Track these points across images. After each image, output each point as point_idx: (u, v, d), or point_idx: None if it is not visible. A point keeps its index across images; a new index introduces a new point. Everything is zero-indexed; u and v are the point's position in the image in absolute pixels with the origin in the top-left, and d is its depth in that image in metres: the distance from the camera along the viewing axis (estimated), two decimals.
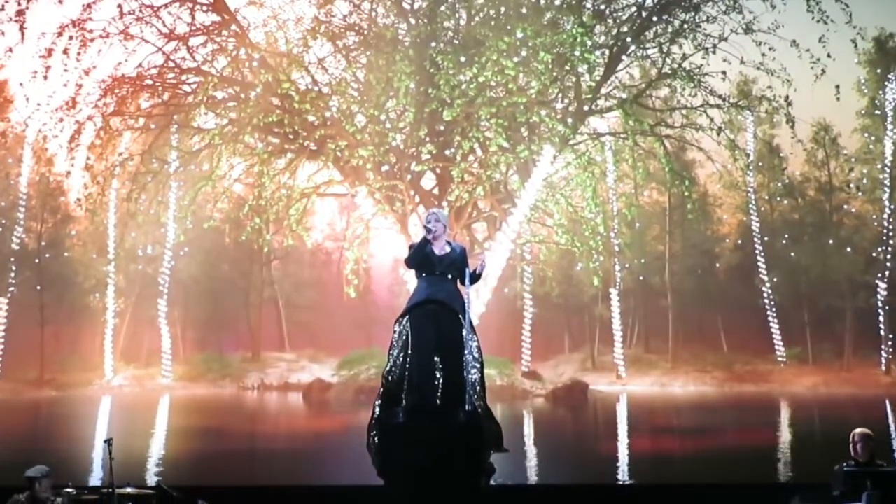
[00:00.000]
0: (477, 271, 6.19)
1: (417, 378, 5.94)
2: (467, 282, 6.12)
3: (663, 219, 30.87)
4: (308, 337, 31.78)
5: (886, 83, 28.52)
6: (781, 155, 29.60)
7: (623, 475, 11.12)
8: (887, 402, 21.36)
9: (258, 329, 30.09)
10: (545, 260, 25.06)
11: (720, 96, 20.69)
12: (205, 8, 20.02)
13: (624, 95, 21.30)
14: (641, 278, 30.61)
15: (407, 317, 6.15)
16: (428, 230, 6.19)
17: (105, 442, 6.29)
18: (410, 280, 21.51)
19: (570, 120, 20.22)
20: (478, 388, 6.04)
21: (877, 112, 29.04)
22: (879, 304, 28.03)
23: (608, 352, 29.21)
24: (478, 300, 19.60)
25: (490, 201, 21.02)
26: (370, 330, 30.16)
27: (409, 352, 6.02)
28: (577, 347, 31.37)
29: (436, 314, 6.06)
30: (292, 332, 31.98)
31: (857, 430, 6.38)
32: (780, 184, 31.29)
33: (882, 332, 27.86)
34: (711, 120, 20.58)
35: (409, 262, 6.27)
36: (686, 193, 22.73)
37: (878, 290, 28.21)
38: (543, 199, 21.31)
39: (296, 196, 21.44)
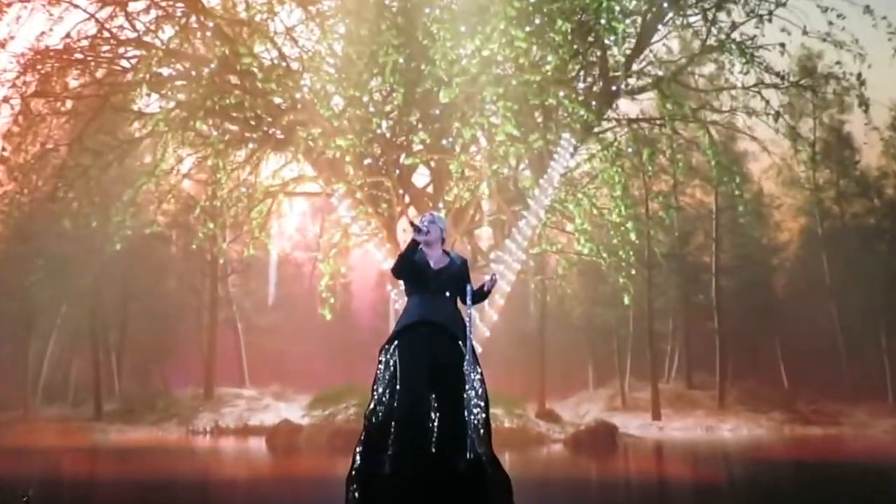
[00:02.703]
0: (485, 288, 6.24)
1: (408, 419, 5.95)
2: (469, 300, 6.16)
3: (709, 223, 30.93)
4: (273, 369, 31.69)
5: None
6: (853, 145, 29.70)
7: None
8: None
9: (212, 359, 30.02)
10: (564, 274, 25.01)
11: (778, 74, 20.72)
12: None
13: (660, 73, 21.34)
14: (682, 296, 30.63)
15: (395, 343, 6.17)
16: (418, 229, 6.20)
17: (23, 499, 6.26)
18: (399, 299, 21.50)
19: (594, 103, 20.24)
20: (482, 431, 6.07)
21: None
22: None
23: (642, 387, 29.19)
24: (482, 322, 19.57)
25: (497, 202, 21.02)
26: (350, 360, 30.05)
27: (398, 387, 6.04)
28: (604, 381, 31.34)
29: (431, 340, 6.08)
30: (254, 363, 31.91)
31: None
32: (851, 180, 31.35)
33: None
34: (767, 103, 20.61)
35: (397, 271, 6.30)
36: (736, 192, 22.73)
37: None
38: (562, 199, 21.30)
39: (258, 196, 21.41)
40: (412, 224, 6.26)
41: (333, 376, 27.87)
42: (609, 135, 21.95)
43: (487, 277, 6.34)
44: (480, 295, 6.37)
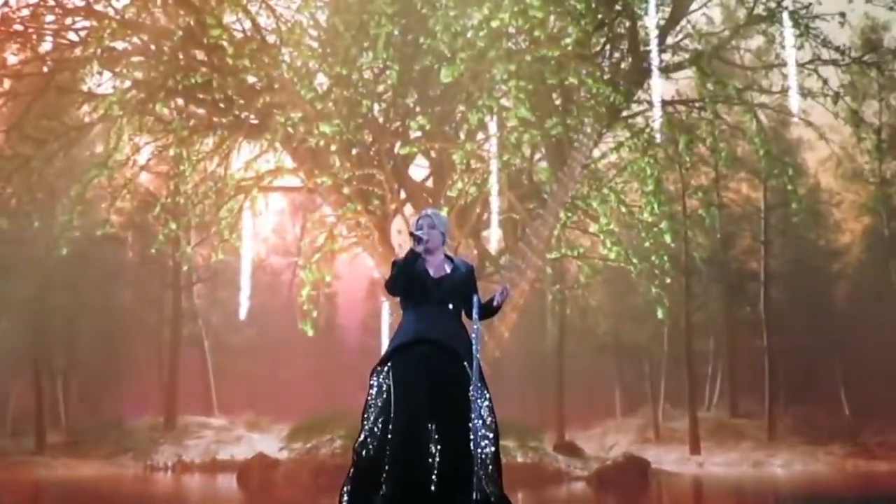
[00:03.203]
0: (495, 301, 6.24)
1: (403, 453, 5.94)
2: (476, 314, 6.16)
3: (756, 224, 30.94)
4: (246, 394, 31.77)
5: None
6: None
7: None
8: None
9: (173, 383, 30.03)
10: (587, 282, 24.99)
11: (837, 49, 20.72)
12: None
13: (699, 47, 21.35)
14: (725, 309, 30.62)
15: (389, 364, 6.16)
16: (418, 239, 6.21)
17: None
18: (394, 312, 21.51)
19: (621, 82, 20.26)
20: (490, 467, 6.05)
21: None
22: None
23: (678, 415, 29.19)
24: (490, 340, 19.57)
25: (508, 198, 21.02)
26: (335, 383, 30.03)
27: (392, 415, 6.03)
28: (634, 408, 31.34)
29: (430, 361, 6.08)
30: (223, 387, 31.95)
31: None
32: None
33: None
34: (825, 82, 20.60)
35: (392, 286, 6.29)
36: (789, 187, 22.70)
37: None
38: (584, 194, 21.32)
39: (229, 191, 21.40)
40: (412, 234, 6.24)
41: (316, 403, 27.91)
42: (639, 120, 21.98)
43: (499, 290, 6.29)
44: (489, 308, 6.34)
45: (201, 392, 31.67)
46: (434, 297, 6.22)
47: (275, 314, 32.11)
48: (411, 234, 6.24)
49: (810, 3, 20.39)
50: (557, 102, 20.72)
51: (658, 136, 21.19)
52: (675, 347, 29.58)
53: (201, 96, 20.31)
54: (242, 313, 23.77)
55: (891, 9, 20.18)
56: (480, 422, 6.03)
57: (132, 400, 31.01)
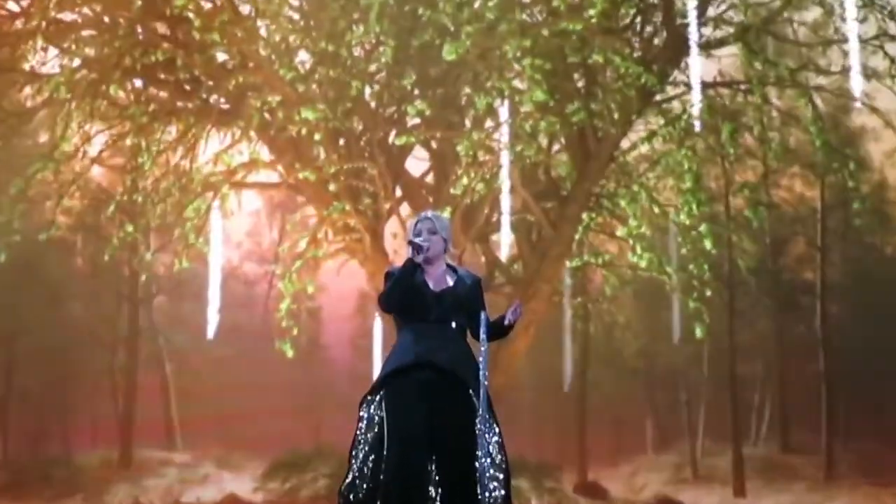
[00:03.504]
0: (506, 319, 6.23)
1: (399, 496, 5.93)
2: (483, 334, 6.14)
3: (812, 226, 30.91)
4: (215, 425, 31.69)
5: None
6: None
7: None
8: None
9: (130, 412, 30.10)
10: (614, 295, 25.01)
11: None
12: None
13: (746, 20, 21.32)
14: (775, 327, 30.58)
15: (382, 393, 6.17)
16: (417, 248, 6.21)
17: None
18: (389, 330, 21.47)
19: (655, 61, 20.24)
20: None
21: None
22: None
23: (720, 451, 29.15)
24: (500, 363, 19.53)
25: (521, 196, 21.02)
26: (319, 413, 29.98)
27: (385, 452, 6.03)
28: (668, 443, 31.33)
29: (430, 389, 6.07)
30: (188, 418, 31.92)
31: None
32: None
33: None
34: (893, 61, 20.59)
35: (386, 301, 6.30)
36: (850, 184, 22.67)
37: None
38: (611, 192, 21.33)
39: (195, 187, 21.39)
40: (411, 243, 6.22)
41: (297, 436, 27.94)
42: (675, 105, 21.89)
43: (511, 306, 6.29)
44: (499, 327, 6.32)
45: (162, 423, 31.68)
46: (435, 314, 6.21)
47: (249, 332, 32.07)
48: (410, 243, 6.24)
49: None
50: (580, 84, 20.72)
51: (697, 123, 21.13)
52: (717, 372, 29.58)
53: (163, 77, 20.29)
54: (211, 331, 23.66)
55: None
56: (489, 460, 6.02)
57: (82, 432, 31.01)
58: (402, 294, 6.19)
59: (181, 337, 32.82)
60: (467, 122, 20.69)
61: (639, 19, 21.65)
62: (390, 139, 20.78)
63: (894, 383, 31.53)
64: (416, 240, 6.21)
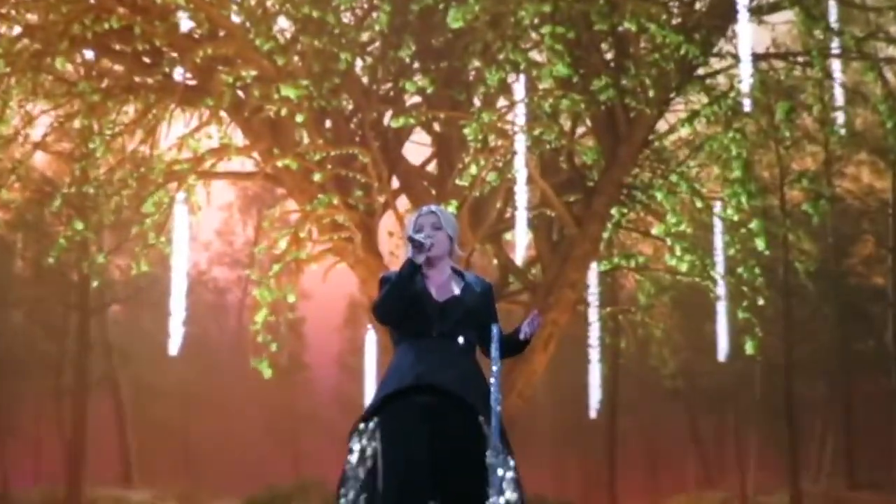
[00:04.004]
0: (521, 334, 6.22)
1: None
2: (495, 350, 6.15)
3: (882, 223, 30.90)
4: (178, 456, 31.71)
5: None
6: None
7: None
8: None
9: (80, 441, 30.02)
10: (649, 304, 25.04)
11: None
12: None
13: None
14: (840, 340, 30.57)
15: (376, 420, 6.18)
16: (418, 245, 6.19)
17: None
18: (385, 345, 21.56)
19: (697, 32, 20.27)
20: None
21: None
22: None
23: (774, 486, 29.15)
24: (516, 384, 19.56)
25: (540, 188, 21.05)
26: (301, 443, 29.95)
27: (381, 490, 6.05)
28: (715, 478, 31.32)
29: (433, 415, 6.10)
30: (148, 449, 31.92)
31: None
32: None
33: None
34: None
35: (381, 311, 6.30)
36: None
37: None
38: (645, 183, 21.33)
39: (156, 178, 21.45)
40: (409, 239, 6.22)
41: (276, 469, 27.98)
42: (721, 80, 22.00)
43: (528, 318, 6.27)
44: (514, 342, 6.34)
45: (116, 453, 31.67)
46: (438, 328, 6.23)
47: (219, 348, 32.25)
48: (409, 239, 6.23)
49: None
50: (608, 56, 20.72)
51: (747, 102, 21.20)
52: (771, 394, 29.56)
53: (118, 48, 20.28)
54: (174, 347, 23.71)
55: None
56: (502, 500, 6.03)
57: (21, 464, 31.03)
58: (400, 301, 6.18)
59: (139, 352, 32.85)
60: (476, 101, 20.68)
61: None
62: (386, 121, 20.79)
63: None
64: (417, 236, 6.19)
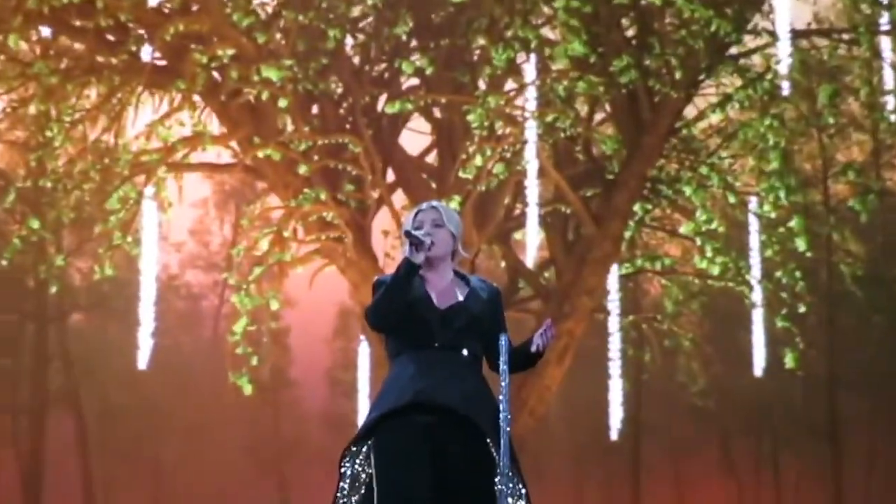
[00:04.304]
0: (533, 346, 6.10)
1: None
2: (504, 363, 6.05)
3: None
4: (147, 483, 31.81)
5: None
6: None
7: None
8: None
9: (37, 465, 30.19)
10: (676, 311, 25.06)
11: None
12: None
13: None
14: (891, 353, 30.64)
15: (370, 442, 6.14)
16: (416, 243, 6.11)
17: None
18: (379, 358, 21.44)
19: (729, 6, 20.20)
20: None
21: None
22: None
23: None
24: (527, 401, 19.50)
25: (554, 182, 21.03)
26: (286, 467, 30.02)
27: None
28: None
29: (435, 437, 6.05)
30: (112, 474, 32.03)
31: None
32: None
33: None
34: None
35: (375, 319, 6.26)
36: None
37: None
38: (671, 175, 21.38)
39: (121, 170, 21.45)
40: (408, 234, 6.12)
41: (258, 496, 28.02)
42: (756, 60, 22.02)
43: (541, 328, 6.14)
44: (526, 355, 6.22)
45: (78, 479, 31.78)
46: (440, 339, 6.15)
47: (193, 361, 32.28)
48: (406, 234, 6.13)
49: None
50: (629, 34, 20.70)
51: (785, 85, 21.20)
52: (812, 412, 29.67)
53: (79, 24, 20.30)
54: (143, 360, 23.70)
55: None
56: None
57: None
58: (396, 305, 6.11)
59: (104, 367, 32.94)
60: (481, 84, 20.66)
61: None
62: (379, 106, 20.80)
63: None
64: (416, 232, 6.13)
